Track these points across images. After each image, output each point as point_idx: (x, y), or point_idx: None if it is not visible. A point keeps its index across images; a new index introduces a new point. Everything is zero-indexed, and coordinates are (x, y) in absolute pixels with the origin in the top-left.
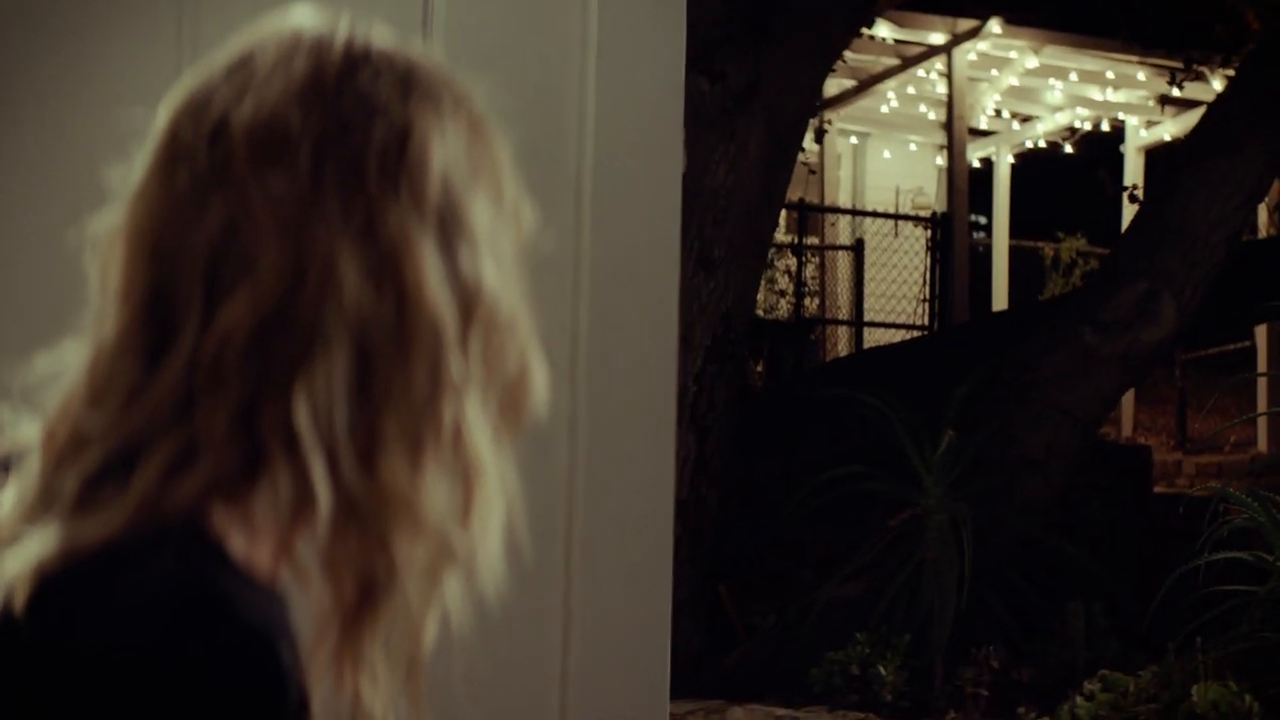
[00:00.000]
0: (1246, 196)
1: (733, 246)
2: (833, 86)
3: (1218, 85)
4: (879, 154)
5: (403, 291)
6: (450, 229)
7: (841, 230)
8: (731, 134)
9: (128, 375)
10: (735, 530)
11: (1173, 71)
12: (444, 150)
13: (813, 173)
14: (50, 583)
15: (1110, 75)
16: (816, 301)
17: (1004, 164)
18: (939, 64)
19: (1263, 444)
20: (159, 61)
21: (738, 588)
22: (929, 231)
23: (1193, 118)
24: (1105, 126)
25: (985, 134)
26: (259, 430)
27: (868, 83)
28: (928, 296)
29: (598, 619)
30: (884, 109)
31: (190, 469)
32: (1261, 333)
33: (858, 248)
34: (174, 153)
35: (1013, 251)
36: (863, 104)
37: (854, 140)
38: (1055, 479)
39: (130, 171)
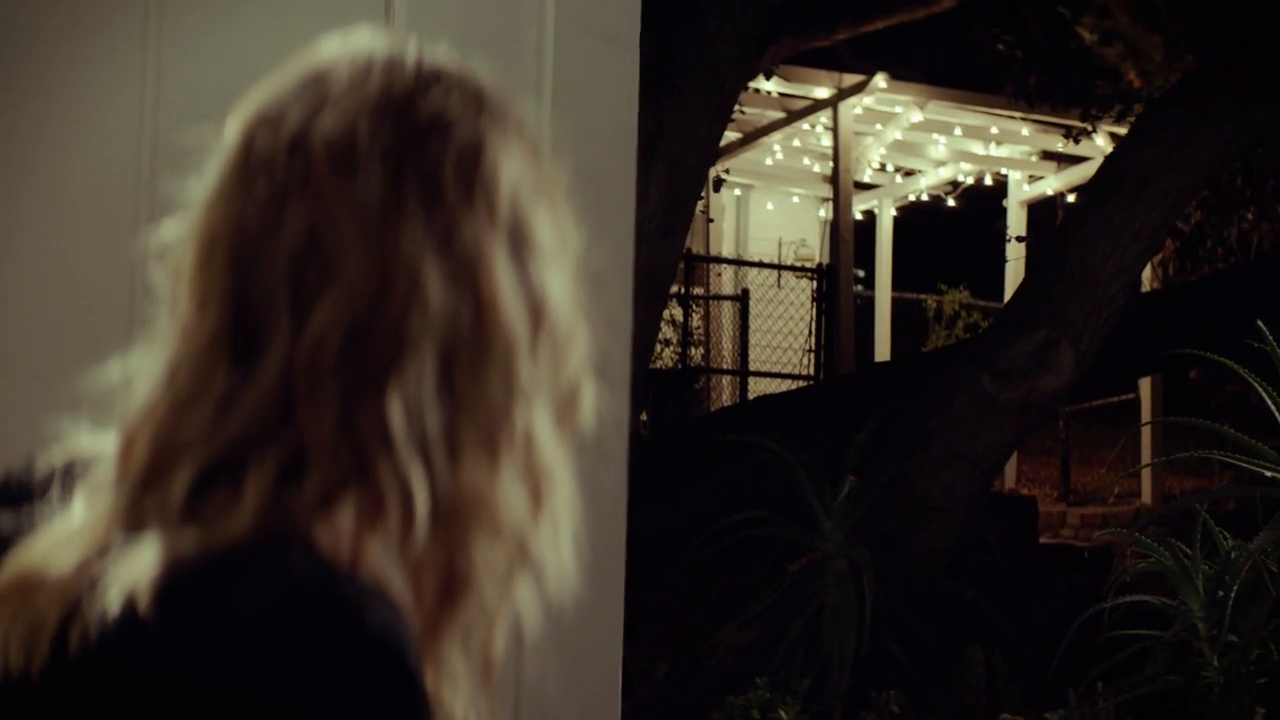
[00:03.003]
0: (1144, 247)
1: (633, 295)
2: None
3: (1101, 141)
4: (762, 205)
5: (479, 300)
6: (519, 242)
7: (725, 280)
8: None
9: (218, 381)
10: (627, 577)
11: (1067, 128)
12: (512, 166)
13: (711, 220)
14: (175, 588)
15: (994, 130)
16: (701, 351)
17: (887, 217)
18: (824, 118)
19: (1147, 496)
20: (122, 85)
21: (631, 635)
22: (814, 282)
23: (1075, 173)
24: (988, 180)
25: (869, 187)
26: (358, 434)
27: (753, 135)
28: (813, 347)
29: (550, 651)
30: (768, 161)
31: (304, 474)
32: (1146, 385)
33: (743, 298)
34: (251, 163)
35: (895, 303)
36: (747, 156)
37: (738, 192)
38: (954, 525)
39: (200, 182)
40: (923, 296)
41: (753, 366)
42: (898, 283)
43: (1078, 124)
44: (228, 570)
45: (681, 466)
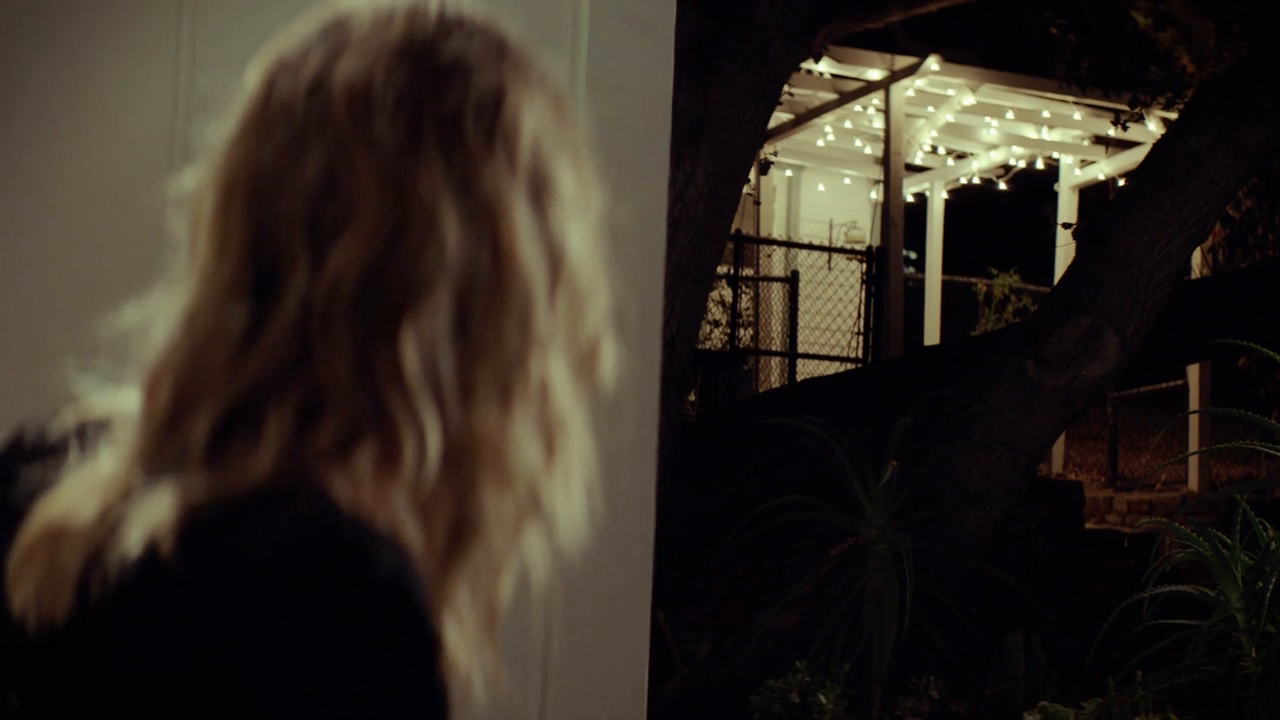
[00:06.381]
0: (1190, 236)
1: (679, 275)
2: (770, 120)
3: (1153, 126)
4: (814, 187)
5: (497, 246)
6: (540, 191)
7: (775, 262)
8: (679, 166)
9: (236, 323)
10: (672, 559)
11: (1117, 112)
12: (533, 116)
13: (757, 203)
14: (195, 533)
15: (1046, 114)
16: (750, 332)
17: (938, 199)
18: (876, 99)
19: (1193, 483)
20: (156, 73)
21: (675, 616)
22: (864, 265)
23: (1127, 158)
24: (1040, 165)
25: (920, 169)
26: (374, 376)
27: (805, 117)
28: (862, 329)
29: (577, 644)
30: (820, 143)
31: (321, 418)
32: (1194, 372)
33: (792, 279)
34: (270, 107)
35: (945, 287)
36: (799, 137)
37: (789, 173)
38: (996, 512)
39: (220, 128)
40: (973, 280)
41: (801, 348)
42: (948, 266)
43: (1126, 109)
44: (245, 516)
45: (728, 449)
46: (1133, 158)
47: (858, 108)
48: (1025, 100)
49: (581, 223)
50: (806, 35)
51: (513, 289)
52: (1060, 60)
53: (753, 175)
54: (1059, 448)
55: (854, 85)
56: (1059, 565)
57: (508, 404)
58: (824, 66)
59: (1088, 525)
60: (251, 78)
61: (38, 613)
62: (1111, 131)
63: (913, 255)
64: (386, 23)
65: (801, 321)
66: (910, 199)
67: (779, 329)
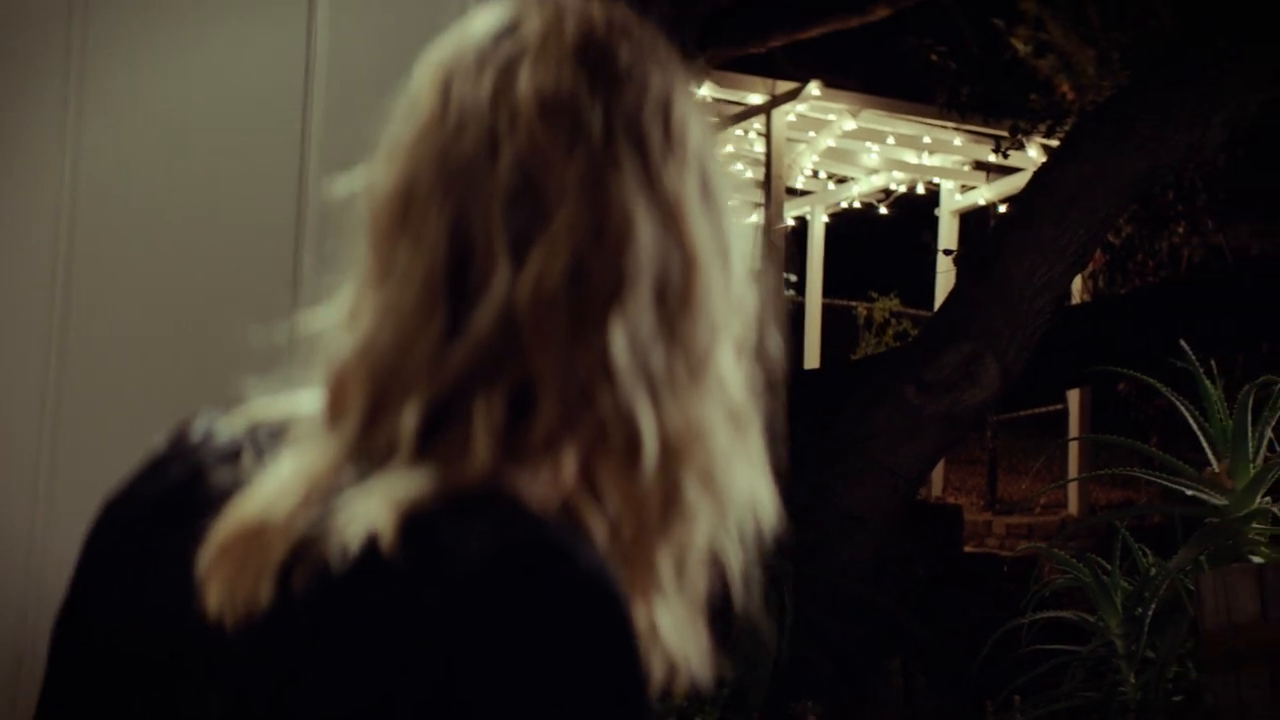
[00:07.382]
0: (1071, 263)
1: None
2: None
3: (1034, 153)
4: None
5: (683, 244)
6: (707, 193)
7: None
8: None
9: (438, 318)
10: None
11: (997, 139)
12: (695, 120)
13: None
14: (414, 529)
15: (927, 140)
16: None
17: (819, 223)
18: (757, 124)
19: (1073, 507)
20: (44, 116)
21: None
22: None
23: (1008, 183)
24: (920, 189)
25: (801, 193)
26: (581, 369)
27: None
28: None
29: None
30: None
31: (533, 411)
32: (1074, 397)
33: None
34: (450, 110)
35: (826, 310)
36: None
37: None
38: (877, 536)
39: (390, 132)
40: (853, 303)
41: None
42: (828, 289)
43: (1007, 136)
44: (461, 513)
45: None
46: (1014, 183)
47: (739, 131)
48: (906, 126)
49: (733, 225)
50: (689, 59)
51: (700, 286)
52: (941, 87)
53: None
54: (938, 471)
55: (735, 109)
56: (936, 589)
57: (703, 395)
58: (705, 90)
59: (967, 548)
60: (420, 81)
61: (234, 609)
62: (992, 157)
63: (793, 278)
64: (560, 26)
65: None
66: (791, 222)
67: None
